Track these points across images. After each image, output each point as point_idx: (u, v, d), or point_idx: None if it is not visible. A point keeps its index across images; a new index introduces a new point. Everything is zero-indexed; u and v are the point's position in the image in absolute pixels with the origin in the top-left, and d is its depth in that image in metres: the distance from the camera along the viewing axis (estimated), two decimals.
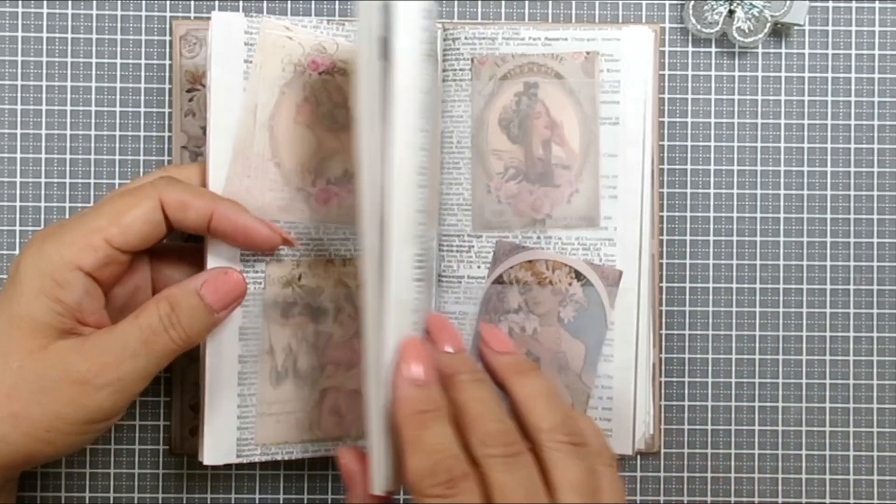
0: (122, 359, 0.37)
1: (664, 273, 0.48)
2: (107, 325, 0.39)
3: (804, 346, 0.49)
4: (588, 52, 0.45)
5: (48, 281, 0.37)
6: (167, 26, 0.48)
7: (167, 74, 0.48)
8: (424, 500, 0.33)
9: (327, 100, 0.44)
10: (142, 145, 0.48)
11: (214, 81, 0.41)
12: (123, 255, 0.38)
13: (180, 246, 0.44)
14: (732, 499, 0.48)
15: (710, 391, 0.48)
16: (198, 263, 0.42)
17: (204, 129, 0.46)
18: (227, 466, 0.48)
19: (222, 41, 0.41)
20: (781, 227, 0.49)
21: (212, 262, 0.41)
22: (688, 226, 0.49)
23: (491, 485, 0.33)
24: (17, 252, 0.47)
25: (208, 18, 0.42)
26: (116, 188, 0.47)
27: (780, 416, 0.48)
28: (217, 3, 0.48)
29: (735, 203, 0.49)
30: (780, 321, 0.49)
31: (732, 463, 0.48)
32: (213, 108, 0.41)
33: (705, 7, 0.48)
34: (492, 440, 0.34)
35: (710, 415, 0.48)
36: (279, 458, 0.43)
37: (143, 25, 0.48)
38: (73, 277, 0.37)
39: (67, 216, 0.48)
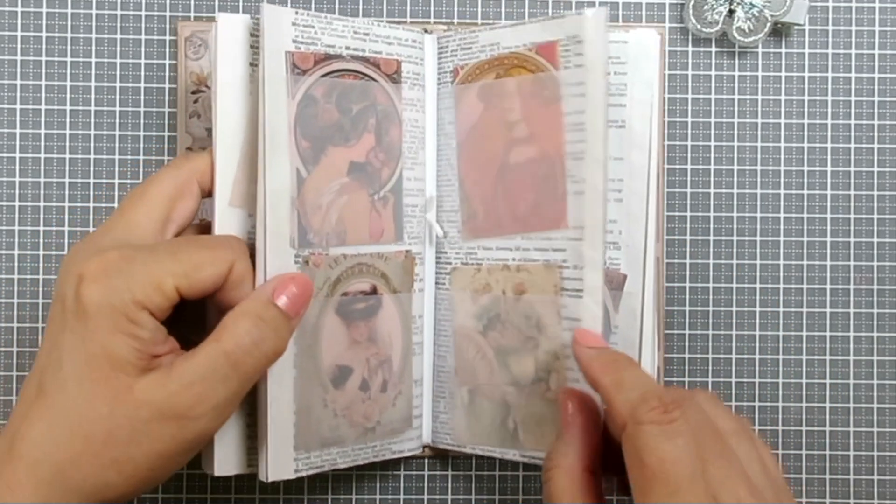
0: (213, 386, 0.36)
1: (664, 273, 0.48)
2: (177, 350, 0.37)
3: (804, 346, 0.49)
4: None
5: (122, 319, 0.35)
6: (167, 26, 0.48)
7: (167, 74, 0.48)
8: (643, 426, 0.33)
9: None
10: (141, 145, 0.48)
11: (220, 84, 0.40)
12: (180, 300, 0.37)
13: None
14: None
15: (710, 391, 0.48)
16: None
17: (209, 130, 0.46)
18: None
19: (228, 43, 0.41)
20: (781, 227, 0.49)
21: None
22: (688, 226, 0.49)
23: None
24: (16, 251, 0.47)
25: (211, 19, 0.41)
26: (135, 185, 0.47)
27: (780, 416, 0.49)
28: (217, 3, 0.48)
29: (735, 203, 0.49)
30: (780, 321, 0.49)
31: None
32: (219, 111, 0.40)
33: (705, 7, 0.48)
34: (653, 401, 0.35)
35: None
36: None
37: (143, 25, 0.48)
38: (143, 316, 0.35)
39: (67, 216, 0.48)
